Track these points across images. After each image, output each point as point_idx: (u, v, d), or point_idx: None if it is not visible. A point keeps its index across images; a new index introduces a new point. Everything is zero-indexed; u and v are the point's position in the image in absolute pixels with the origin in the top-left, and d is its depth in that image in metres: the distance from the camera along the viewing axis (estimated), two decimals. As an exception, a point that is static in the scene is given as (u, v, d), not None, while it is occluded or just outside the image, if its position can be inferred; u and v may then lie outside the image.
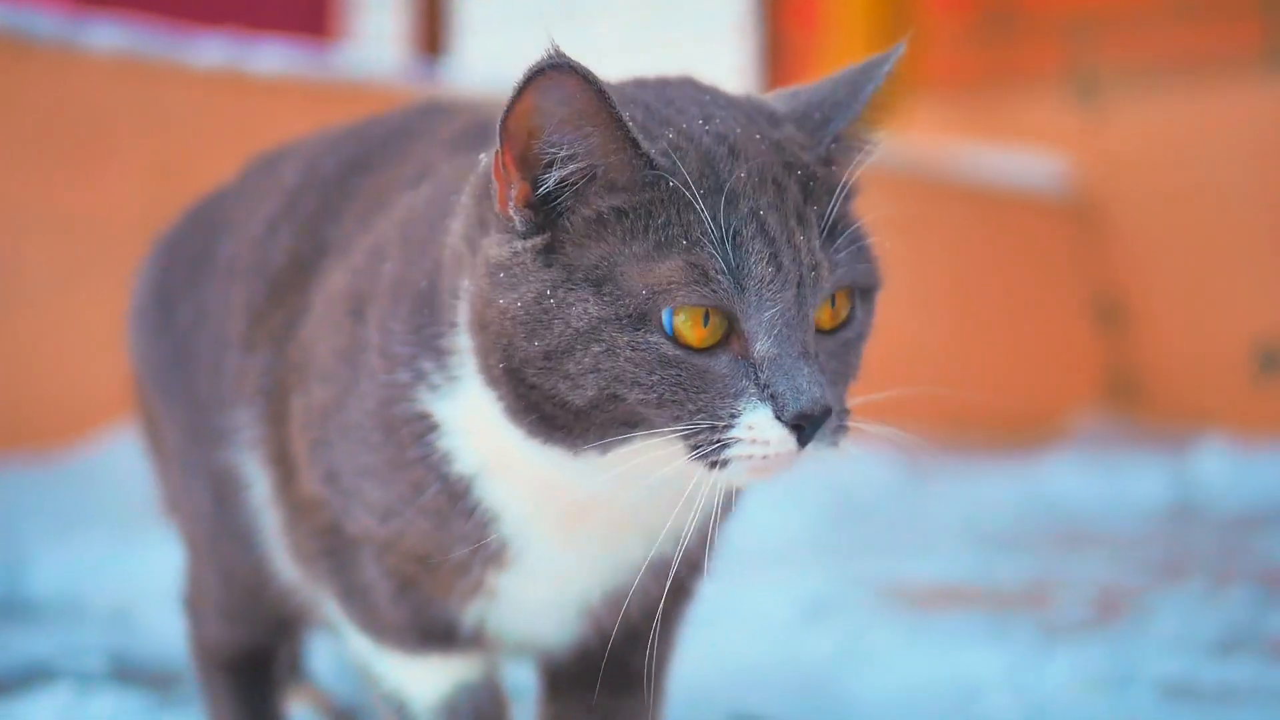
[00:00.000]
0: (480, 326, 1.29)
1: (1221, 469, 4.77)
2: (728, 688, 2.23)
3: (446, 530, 1.43)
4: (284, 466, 1.58)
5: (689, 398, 1.24)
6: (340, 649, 1.79)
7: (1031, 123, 6.85)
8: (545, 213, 1.27)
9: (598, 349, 1.24)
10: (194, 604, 1.88)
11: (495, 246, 1.29)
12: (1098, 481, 4.69)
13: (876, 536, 3.81)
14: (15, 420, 3.82)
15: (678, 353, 1.24)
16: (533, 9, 8.00)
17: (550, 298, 1.25)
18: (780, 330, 1.25)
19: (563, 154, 1.25)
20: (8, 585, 2.80)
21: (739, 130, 1.31)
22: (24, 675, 2.22)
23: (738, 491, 1.37)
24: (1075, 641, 2.52)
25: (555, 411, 1.27)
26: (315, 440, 1.50)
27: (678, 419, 1.25)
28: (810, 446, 1.26)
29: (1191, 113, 6.45)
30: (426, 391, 1.39)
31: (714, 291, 1.24)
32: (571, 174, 1.26)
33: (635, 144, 1.25)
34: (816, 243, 1.29)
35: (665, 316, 1.24)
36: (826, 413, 1.25)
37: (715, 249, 1.24)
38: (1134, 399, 6.64)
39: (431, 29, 7.03)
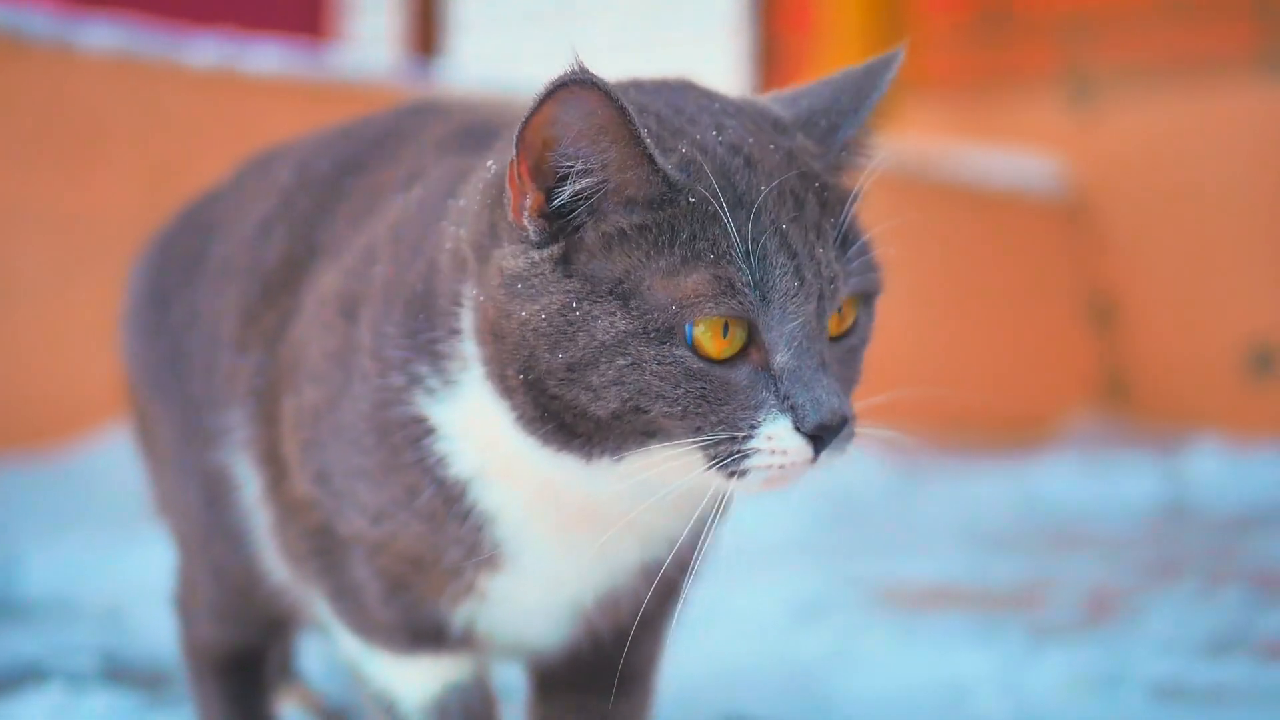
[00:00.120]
0: (496, 336, 1.29)
1: (1214, 470, 4.78)
2: (719, 688, 2.23)
3: (440, 533, 1.43)
4: (275, 467, 1.58)
5: (712, 410, 1.25)
6: (330, 649, 1.79)
7: (1026, 123, 6.86)
8: (559, 224, 1.28)
9: (622, 362, 1.24)
10: (185, 604, 1.88)
11: (511, 258, 1.29)
12: (1091, 482, 4.70)
13: (869, 537, 3.82)
14: (8, 419, 3.82)
15: (702, 365, 1.25)
16: (526, 10, 8.01)
17: (575, 310, 1.25)
18: (801, 342, 1.26)
19: (578, 167, 1.25)
20: None
21: (751, 140, 1.32)
22: (15, 675, 2.22)
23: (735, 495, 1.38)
24: (1066, 642, 2.52)
25: (575, 421, 1.27)
26: (306, 441, 1.50)
27: (699, 430, 1.26)
28: (824, 455, 1.27)
29: (1186, 114, 6.46)
30: (422, 395, 1.39)
31: (740, 304, 1.25)
32: (586, 188, 1.26)
33: (652, 160, 1.25)
34: (833, 255, 1.30)
35: (686, 329, 1.25)
36: (844, 423, 1.26)
37: (742, 262, 1.25)
38: (1127, 399, 6.64)
39: (426, 30, 7.04)
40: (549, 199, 1.27)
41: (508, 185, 1.29)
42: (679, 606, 1.62)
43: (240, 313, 1.64)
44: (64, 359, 3.92)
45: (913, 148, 6.09)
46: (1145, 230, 6.60)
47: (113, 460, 3.29)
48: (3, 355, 3.87)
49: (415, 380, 1.40)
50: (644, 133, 1.24)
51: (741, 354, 1.26)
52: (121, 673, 2.27)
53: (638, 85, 1.40)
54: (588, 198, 1.27)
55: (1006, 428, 5.93)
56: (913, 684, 2.28)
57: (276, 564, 1.66)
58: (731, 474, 1.27)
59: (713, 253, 1.25)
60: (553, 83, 1.22)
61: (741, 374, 1.26)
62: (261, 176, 1.77)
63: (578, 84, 1.22)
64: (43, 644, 2.39)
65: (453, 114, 1.69)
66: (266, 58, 4.39)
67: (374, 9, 7.96)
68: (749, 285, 1.25)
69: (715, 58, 7.63)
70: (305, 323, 1.55)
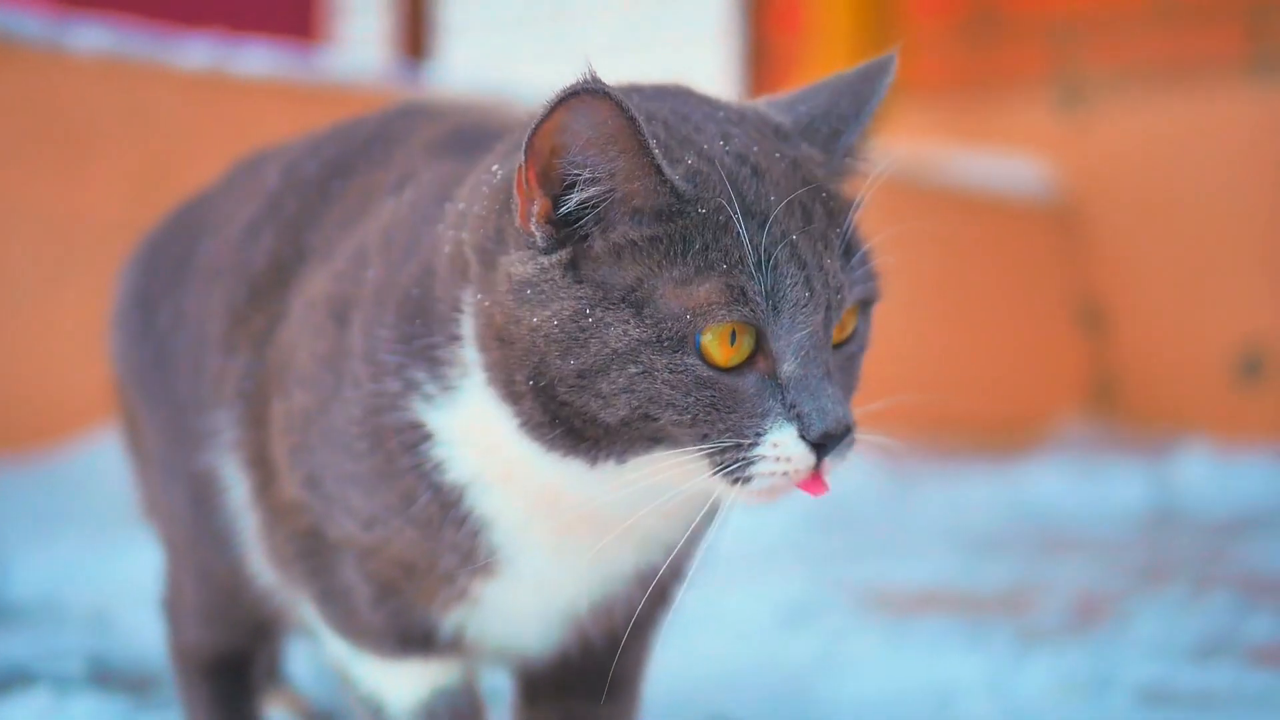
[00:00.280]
0: (503, 342, 1.29)
1: (1203, 474, 4.79)
2: (706, 692, 2.23)
3: (435, 539, 1.43)
4: (263, 469, 1.58)
5: (720, 417, 1.26)
6: (318, 653, 1.79)
7: (1016, 127, 6.86)
8: (566, 231, 1.28)
9: (634, 370, 1.25)
10: (173, 607, 1.88)
11: (519, 263, 1.29)
12: (1080, 486, 4.70)
13: (858, 541, 3.82)
14: (-3, 421, 3.82)
15: (711, 374, 1.25)
16: (516, 13, 8.01)
17: (588, 316, 1.25)
18: (808, 352, 1.27)
19: (585, 175, 1.26)
20: (-13, 587, 2.80)
21: (756, 149, 1.32)
22: (2, 678, 2.21)
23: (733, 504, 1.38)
24: (1053, 647, 2.52)
25: (583, 427, 1.28)
26: (296, 445, 1.50)
27: (705, 437, 1.27)
28: (826, 461, 1.28)
29: (1176, 118, 6.47)
30: (419, 401, 1.39)
31: (753, 311, 1.25)
32: (593, 196, 1.26)
33: (660, 171, 1.25)
34: (839, 265, 1.31)
35: (696, 338, 1.25)
36: (848, 431, 1.28)
37: (755, 271, 1.26)
38: (1116, 404, 6.65)
39: (416, 32, 7.03)
40: (556, 205, 1.27)
41: (515, 190, 1.29)
42: (669, 612, 1.62)
43: (228, 315, 1.64)
44: (53, 361, 3.91)
45: (902, 151, 6.09)
46: (1135, 234, 6.61)
47: (101, 463, 3.28)
48: (-9, 357, 3.87)
49: (411, 385, 1.39)
50: (653, 143, 1.24)
51: (748, 363, 1.27)
52: (109, 676, 2.26)
53: (639, 91, 1.40)
54: (594, 206, 1.27)
55: (996, 431, 5.94)
56: (901, 688, 2.28)
57: (264, 567, 1.66)
58: (736, 480, 1.27)
59: (725, 262, 1.26)
60: (564, 90, 1.22)
61: (748, 382, 1.27)
62: (250, 179, 1.76)
63: (589, 92, 1.22)
64: (30, 647, 2.38)
65: (441, 117, 1.69)
66: (257, 60, 4.39)
67: (364, 11, 7.96)
68: (761, 294, 1.25)
69: (705, 60, 7.64)
70: (294, 326, 1.54)
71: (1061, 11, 6.82)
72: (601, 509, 1.36)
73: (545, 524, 1.41)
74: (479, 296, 1.32)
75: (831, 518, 3.94)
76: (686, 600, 1.63)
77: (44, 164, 3.97)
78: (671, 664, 1.86)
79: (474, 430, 1.37)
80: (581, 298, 1.26)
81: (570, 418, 1.28)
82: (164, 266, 1.80)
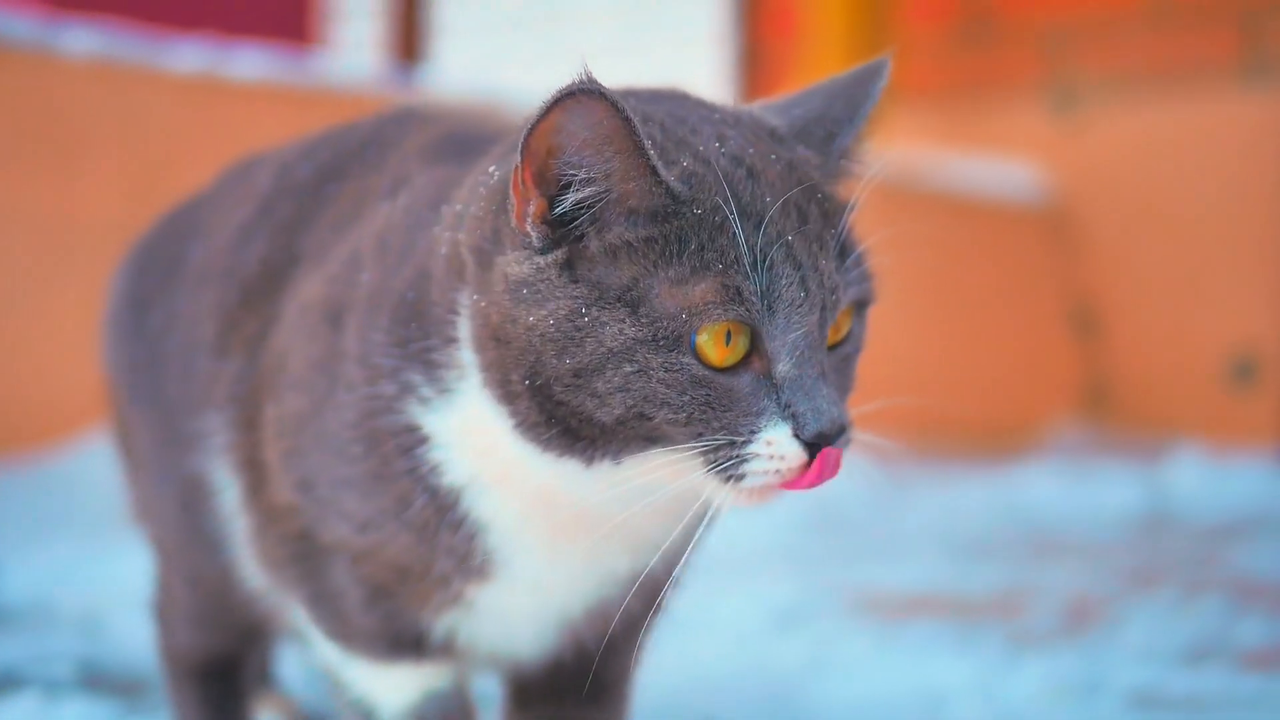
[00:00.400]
0: (499, 342, 1.30)
1: (1195, 478, 4.79)
2: (697, 695, 2.23)
3: (430, 542, 1.43)
4: (254, 473, 1.58)
5: (715, 416, 1.26)
6: (309, 657, 1.79)
7: (1009, 131, 6.87)
8: (562, 231, 1.28)
9: (629, 369, 1.25)
10: (163, 610, 1.88)
11: (516, 263, 1.29)
12: (1072, 490, 4.70)
13: (850, 545, 3.82)
14: (-11, 425, 3.81)
15: (707, 373, 1.26)
16: (509, 17, 8.01)
17: (584, 315, 1.26)
18: (803, 352, 1.28)
19: (581, 176, 1.26)
20: (-22, 590, 2.80)
21: (752, 151, 1.33)
22: (-8, 682, 2.21)
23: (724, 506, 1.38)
24: (1044, 650, 2.52)
25: (579, 427, 1.28)
26: (289, 449, 1.50)
27: (700, 436, 1.27)
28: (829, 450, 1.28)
29: (1168, 122, 6.47)
30: (415, 404, 1.39)
31: (748, 311, 1.26)
32: (588, 197, 1.27)
33: (655, 172, 1.25)
34: (834, 266, 1.31)
35: (691, 337, 1.26)
36: (842, 431, 1.28)
37: (750, 271, 1.26)
38: (1109, 408, 6.66)
39: (409, 36, 7.03)
40: (552, 206, 1.28)
41: (511, 191, 1.29)
42: (660, 616, 1.63)
43: (220, 318, 1.64)
44: (46, 363, 3.91)
45: (896, 155, 6.09)
46: (1129, 238, 6.62)
47: (93, 466, 3.28)
48: (-17, 359, 3.87)
49: (407, 389, 1.40)
50: (648, 144, 1.25)
51: (744, 363, 1.27)
52: (99, 679, 2.26)
53: (634, 94, 1.40)
54: (590, 206, 1.27)
55: (988, 435, 5.94)
56: (891, 692, 2.28)
57: (254, 570, 1.66)
58: (729, 478, 1.27)
59: (721, 262, 1.26)
60: (560, 91, 1.23)
61: (744, 382, 1.27)
62: (242, 183, 1.77)
63: (585, 93, 1.22)
64: (20, 651, 2.38)
65: (435, 122, 1.69)
66: (250, 63, 4.39)
67: (358, 15, 7.95)
68: (756, 294, 1.26)
69: (699, 64, 7.64)
70: (287, 329, 1.54)
71: (1055, 16, 6.82)
72: (597, 510, 1.36)
73: (541, 527, 1.41)
74: (475, 297, 1.32)
75: (823, 521, 3.94)
76: (679, 603, 1.63)
77: (36, 167, 3.97)
78: (663, 667, 1.86)
79: (470, 433, 1.37)
80: (577, 297, 1.26)
81: (566, 417, 1.28)
82: (156, 270, 1.80)
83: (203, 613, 1.80)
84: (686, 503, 1.32)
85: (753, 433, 1.27)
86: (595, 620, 1.53)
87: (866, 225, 1.41)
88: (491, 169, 1.37)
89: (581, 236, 1.28)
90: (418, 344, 1.39)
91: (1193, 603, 2.90)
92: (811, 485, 1.29)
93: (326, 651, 1.57)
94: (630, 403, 1.26)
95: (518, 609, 1.50)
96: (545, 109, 1.23)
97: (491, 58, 7.88)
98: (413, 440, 1.40)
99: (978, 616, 2.87)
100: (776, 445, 1.27)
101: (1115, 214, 6.65)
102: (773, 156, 1.34)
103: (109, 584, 2.78)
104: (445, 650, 1.53)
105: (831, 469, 1.29)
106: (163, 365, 1.73)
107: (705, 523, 1.34)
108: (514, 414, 1.30)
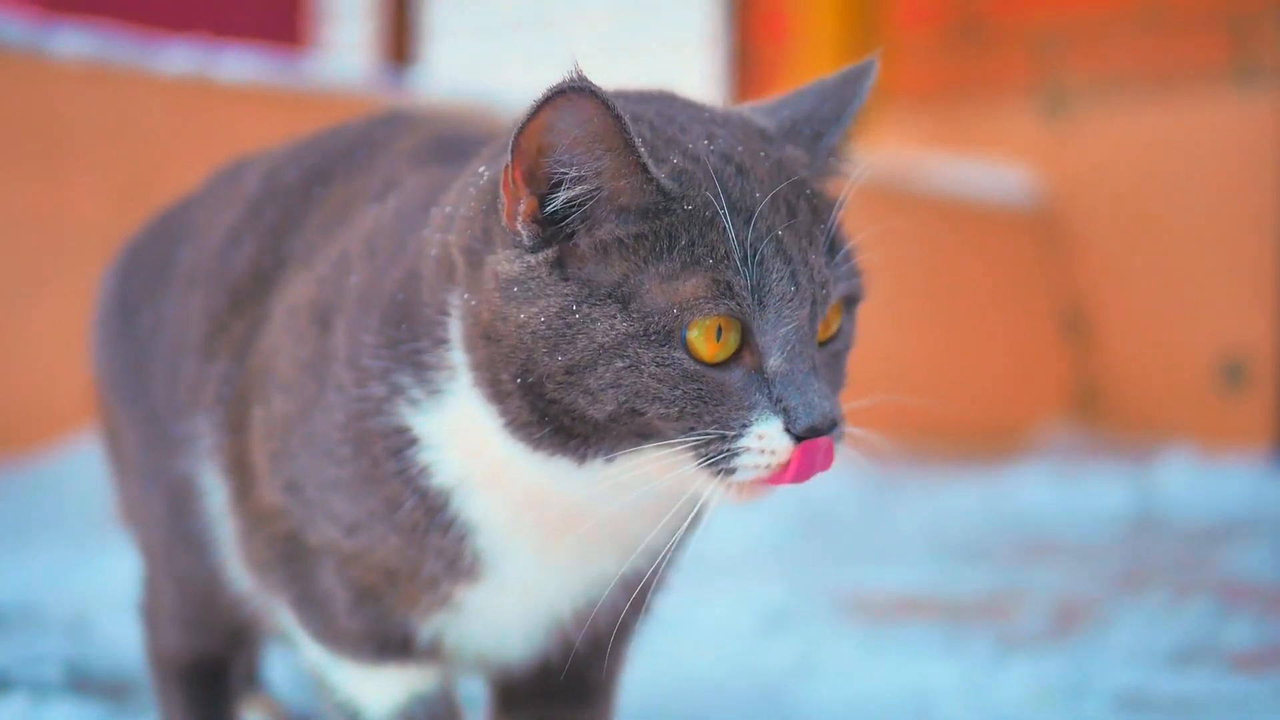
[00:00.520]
0: (490, 340, 1.30)
1: (1184, 481, 4.80)
2: (685, 697, 2.23)
3: (420, 544, 1.43)
4: (242, 475, 1.58)
5: (706, 410, 1.27)
6: (295, 659, 1.79)
7: (1000, 134, 6.88)
8: (553, 229, 1.28)
9: (620, 364, 1.25)
10: (150, 612, 1.87)
11: (506, 262, 1.29)
12: (1062, 492, 4.71)
13: (839, 546, 3.82)
14: (-23, 427, 3.81)
15: (698, 367, 1.26)
16: (501, 19, 8.01)
17: (575, 312, 1.26)
18: (794, 346, 1.28)
19: (572, 174, 1.26)
20: (-35, 593, 2.79)
21: (741, 149, 1.34)
22: (-21, 684, 2.21)
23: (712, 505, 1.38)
24: (1032, 652, 2.53)
25: (571, 424, 1.28)
26: (277, 451, 1.50)
27: (691, 430, 1.27)
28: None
29: (1159, 126, 6.48)
30: (405, 406, 1.39)
31: (739, 305, 1.26)
32: (579, 195, 1.27)
33: (645, 169, 1.26)
34: (824, 261, 1.32)
35: (682, 332, 1.26)
36: (833, 426, 1.28)
37: (740, 266, 1.27)
38: (1099, 410, 6.67)
39: (400, 38, 7.03)
40: (542, 204, 1.28)
41: (502, 190, 1.30)
42: (648, 617, 1.63)
43: (208, 320, 1.64)
44: (34, 365, 3.91)
45: (887, 158, 6.10)
46: (1119, 241, 6.63)
47: (81, 468, 3.28)
48: (-28, 362, 3.86)
49: (397, 390, 1.40)
50: (638, 141, 1.25)
51: (735, 357, 1.28)
52: (86, 682, 2.25)
53: (624, 95, 1.40)
54: (580, 204, 1.28)
55: (978, 437, 5.95)
56: (879, 694, 2.28)
57: (241, 572, 1.66)
58: (720, 471, 1.28)
59: (711, 258, 1.27)
60: (550, 89, 1.23)
61: (735, 376, 1.27)
62: (231, 185, 1.77)
63: (575, 91, 1.23)
64: (7, 652, 2.37)
65: (423, 125, 1.70)
66: (240, 65, 4.38)
67: (348, 17, 7.96)
68: (747, 289, 1.26)
69: (690, 67, 7.65)
70: (275, 332, 1.54)
71: (1045, 19, 6.83)
72: (587, 511, 1.36)
73: (530, 528, 1.41)
74: (466, 297, 1.33)
75: (813, 523, 3.94)
76: (667, 605, 1.63)
77: (25, 169, 3.96)
78: (649, 669, 1.86)
79: (460, 434, 1.37)
80: (568, 294, 1.27)
81: (558, 415, 1.28)
82: (145, 272, 1.80)
83: (190, 615, 1.80)
84: (678, 505, 1.32)
85: (744, 427, 1.27)
86: (583, 622, 1.53)
87: (858, 226, 1.42)
88: (481, 169, 1.37)
89: (572, 234, 1.28)
90: (407, 345, 1.39)
91: (1182, 604, 2.90)
92: (802, 477, 1.29)
93: (313, 653, 1.57)
94: (622, 398, 1.26)
95: (506, 610, 1.50)
96: (536, 107, 1.24)
97: (482, 60, 7.89)
98: (402, 442, 1.40)
99: (967, 618, 2.87)
100: (768, 439, 1.27)
101: (1106, 216, 6.66)
102: (761, 154, 1.34)
103: (97, 586, 2.78)
104: (432, 652, 1.53)
105: (824, 461, 1.29)
106: (151, 367, 1.74)
107: (694, 522, 1.34)
108: (505, 413, 1.30)
